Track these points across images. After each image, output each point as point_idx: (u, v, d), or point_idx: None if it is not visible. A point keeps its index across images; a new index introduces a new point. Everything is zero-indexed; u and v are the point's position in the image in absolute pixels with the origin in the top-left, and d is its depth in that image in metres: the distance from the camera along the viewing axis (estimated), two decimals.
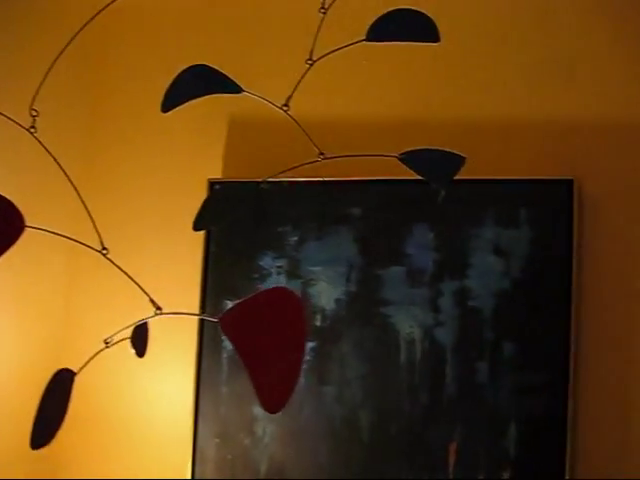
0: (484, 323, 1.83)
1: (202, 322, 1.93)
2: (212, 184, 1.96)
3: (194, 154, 2.06)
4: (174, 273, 2.01)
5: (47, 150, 1.30)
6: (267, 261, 1.95)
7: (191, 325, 1.92)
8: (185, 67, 1.28)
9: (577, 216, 1.81)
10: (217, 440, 1.92)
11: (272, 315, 1.14)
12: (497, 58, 1.95)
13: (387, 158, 1.26)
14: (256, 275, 1.95)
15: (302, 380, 1.85)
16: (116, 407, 2.01)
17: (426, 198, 1.87)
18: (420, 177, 1.23)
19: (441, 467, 1.81)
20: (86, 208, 1.29)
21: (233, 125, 2.05)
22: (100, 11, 1.32)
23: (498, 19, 1.96)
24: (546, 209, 1.84)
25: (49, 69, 1.32)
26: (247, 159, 2.02)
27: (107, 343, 1.23)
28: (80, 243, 1.29)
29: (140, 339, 1.18)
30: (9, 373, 1.92)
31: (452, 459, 1.81)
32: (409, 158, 1.22)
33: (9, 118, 1.33)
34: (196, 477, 1.91)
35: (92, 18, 1.31)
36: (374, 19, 1.27)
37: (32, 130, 1.30)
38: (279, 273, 1.94)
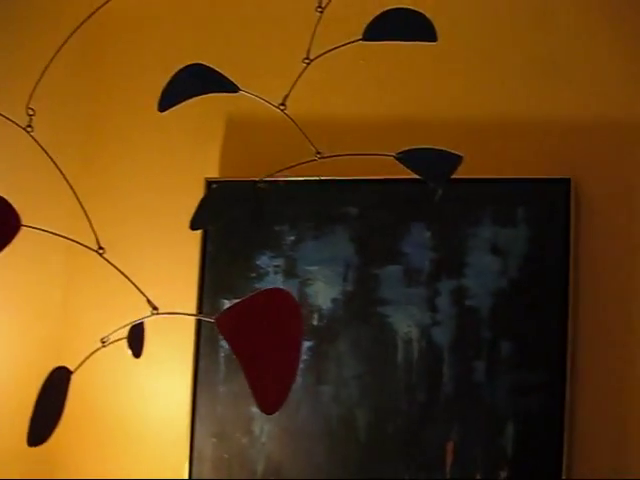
0: (481, 322, 1.83)
1: (199, 321, 1.93)
2: (209, 183, 1.96)
3: (191, 153, 2.06)
4: (171, 272, 2.00)
5: (43, 149, 1.30)
6: (264, 260, 1.95)
7: (188, 324, 1.92)
8: (182, 66, 1.28)
9: (574, 215, 1.81)
10: (214, 439, 1.92)
11: (268, 316, 1.14)
12: (494, 57, 1.95)
13: (384, 157, 1.26)
14: (253, 274, 1.95)
15: (299, 379, 1.86)
16: (113, 406, 2.01)
17: (423, 197, 1.87)
18: (417, 176, 1.23)
19: (438, 466, 1.81)
20: (82, 207, 1.29)
21: (230, 124, 2.05)
22: (97, 10, 1.32)
23: (495, 18, 1.96)
24: (543, 208, 1.84)
25: (46, 68, 1.32)
26: (244, 158, 2.01)
27: (104, 342, 1.23)
28: (76, 242, 1.29)
29: (136, 339, 1.18)
30: (6, 372, 1.92)
31: (449, 458, 1.81)
32: (406, 157, 1.22)
33: (6, 117, 1.33)
34: (193, 476, 1.91)
35: (89, 17, 1.31)
36: (371, 18, 1.27)
37: (29, 129, 1.30)
38: (276, 272, 1.94)
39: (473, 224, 1.85)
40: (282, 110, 1.27)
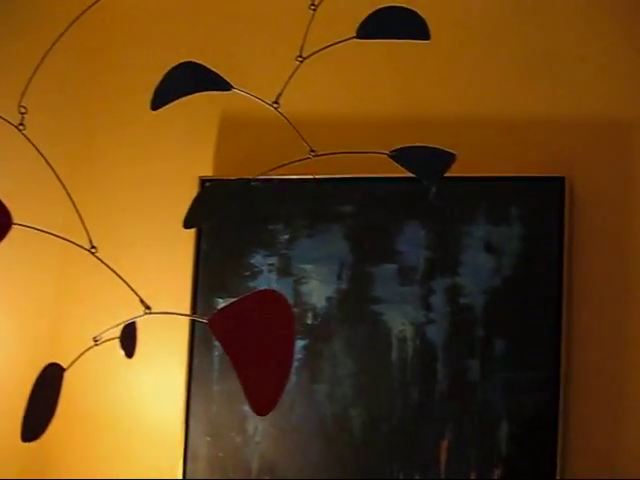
0: (475, 321, 1.83)
1: (193, 320, 1.93)
2: (203, 182, 1.95)
3: (185, 152, 2.06)
4: (165, 271, 2.00)
5: (36, 147, 1.30)
6: (258, 259, 1.94)
7: (182, 323, 1.92)
8: (175, 64, 1.27)
9: (568, 214, 1.81)
10: (208, 438, 1.92)
11: (261, 317, 1.14)
12: (488, 56, 1.95)
13: (378, 155, 1.26)
14: (247, 273, 1.95)
15: (293, 378, 1.86)
16: (107, 406, 2.01)
17: (417, 195, 1.87)
18: (411, 174, 1.23)
19: (433, 465, 1.81)
20: (75, 206, 1.29)
21: (224, 123, 2.04)
22: (89, 7, 1.32)
23: (489, 17, 1.96)
24: (537, 207, 1.84)
25: (38, 66, 1.31)
26: (238, 157, 2.01)
27: (96, 341, 1.23)
28: (69, 241, 1.28)
29: (129, 339, 1.18)
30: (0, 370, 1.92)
31: (443, 457, 1.81)
32: (399, 155, 1.22)
33: None
34: (187, 475, 1.91)
35: (82, 13, 1.31)
36: (365, 16, 1.27)
37: (21, 127, 1.30)
38: (270, 271, 1.94)
39: (467, 222, 1.85)
40: (275, 108, 1.27)
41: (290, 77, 1.25)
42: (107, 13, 1.97)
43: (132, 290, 1.24)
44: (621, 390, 1.79)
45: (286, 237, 1.94)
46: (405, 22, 1.26)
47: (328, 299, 1.90)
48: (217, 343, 1.89)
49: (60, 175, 1.31)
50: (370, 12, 1.26)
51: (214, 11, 2.10)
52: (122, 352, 1.20)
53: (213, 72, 1.25)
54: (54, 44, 1.32)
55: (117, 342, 1.21)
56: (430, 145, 1.22)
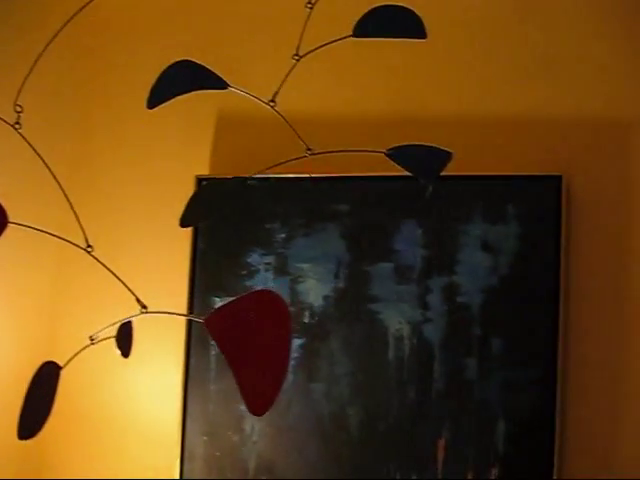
0: (472, 319, 1.83)
1: (190, 320, 1.92)
2: (200, 181, 1.95)
3: (182, 151, 2.05)
4: (162, 270, 2.00)
5: (32, 146, 1.30)
6: (255, 258, 1.94)
7: (179, 322, 1.92)
8: (171, 63, 1.27)
9: (565, 212, 1.81)
10: (205, 438, 1.91)
11: (257, 318, 1.14)
12: (485, 55, 1.95)
13: (375, 154, 1.26)
14: (244, 272, 1.94)
15: (291, 377, 1.86)
16: (104, 405, 2.01)
17: (414, 194, 1.87)
18: (408, 173, 1.23)
19: (430, 463, 1.81)
20: (71, 205, 1.29)
21: (221, 122, 2.04)
22: (85, 5, 1.32)
23: (486, 15, 1.96)
24: (534, 205, 1.84)
25: (34, 64, 1.31)
26: (235, 156, 2.01)
27: (92, 340, 1.23)
28: (65, 240, 1.28)
29: (125, 338, 1.18)
30: None
31: (441, 455, 1.81)
32: (396, 154, 1.22)
33: None
34: (184, 475, 1.91)
35: (78, 12, 1.31)
36: (361, 15, 1.26)
37: (17, 126, 1.30)
38: (267, 270, 1.94)
39: (464, 221, 1.85)
40: (272, 107, 1.26)
41: (287, 76, 1.25)
42: (103, 12, 1.96)
43: (128, 289, 1.24)
44: (618, 389, 1.79)
45: (283, 236, 1.94)
46: (402, 21, 1.25)
47: (325, 298, 1.90)
48: (214, 342, 1.88)
49: (56, 174, 1.31)
50: (367, 11, 1.26)
51: (210, 10, 2.10)
52: (118, 352, 1.19)
53: (209, 70, 1.25)
54: (50, 43, 1.32)
55: (113, 341, 1.21)
56: (426, 144, 1.22)
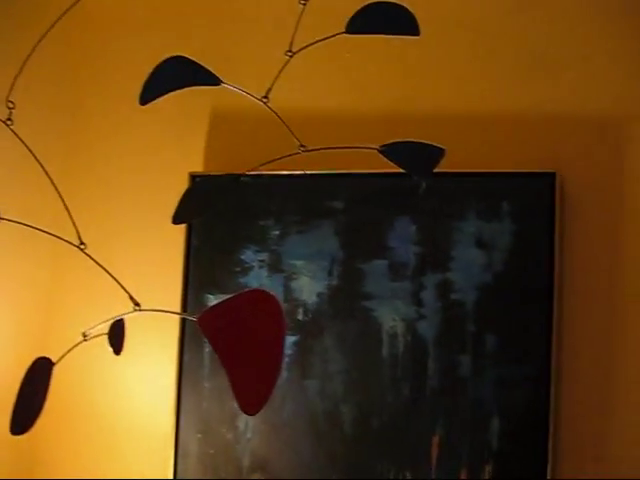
0: (466, 316, 1.83)
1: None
2: (193, 177, 1.95)
3: (175, 148, 2.05)
4: (155, 267, 2.00)
5: (24, 143, 1.29)
6: (249, 255, 1.94)
7: (173, 319, 1.92)
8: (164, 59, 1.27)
9: (559, 209, 1.81)
10: (199, 435, 1.91)
11: (251, 317, 1.14)
12: (479, 51, 1.95)
13: (369, 151, 1.25)
14: (238, 269, 1.94)
15: (284, 374, 1.86)
16: (98, 402, 2.00)
17: (408, 191, 1.87)
18: (401, 169, 1.23)
19: (424, 460, 1.81)
20: (63, 202, 1.29)
21: (214, 118, 2.04)
22: (78, 1, 1.31)
23: (479, 12, 1.96)
24: (528, 202, 1.84)
25: (26, 60, 1.31)
26: (229, 152, 2.00)
27: (85, 336, 1.23)
28: (57, 237, 1.28)
29: (117, 336, 1.18)
30: None
31: (434, 452, 1.81)
32: (389, 150, 1.22)
33: None
34: (179, 472, 1.90)
35: (70, 7, 1.31)
36: (354, 11, 1.26)
37: (8, 122, 1.29)
38: (261, 267, 1.93)
39: (458, 218, 1.85)
40: (265, 103, 1.26)
41: (280, 72, 1.25)
42: (96, 7, 1.97)
43: (121, 287, 1.24)
44: (612, 386, 1.79)
45: (277, 233, 1.93)
46: (395, 17, 1.26)
47: (319, 295, 1.90)
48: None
49: (49, 171, 1.31)
50: (360, 7, 1.26)
51: (204, 5, 2.09)
52: (110, 349, 1.19)
53: (202, 67, 1.25)
54: (42, 38, 1.32)
55: (106, 338, 1.21)
56: (419, 140, 1.22)
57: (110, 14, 2.11)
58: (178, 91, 1.28)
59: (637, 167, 1.84)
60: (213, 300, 1.92)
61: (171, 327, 1.93)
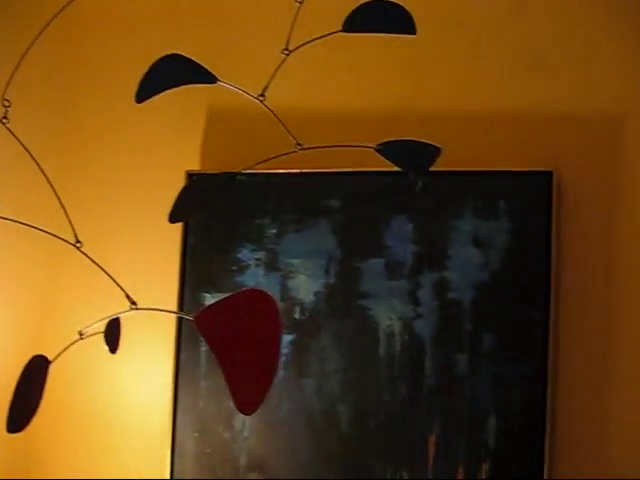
0: (463, 315, 1.82)
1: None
2: (190, 176, 1.94)
3: (172, 146, 2.04)
4: (152, 265, 1.99)
5: (20, 141, 1.29)
6: (245, 254, 1.94)
7: (169, 318, 1.91)
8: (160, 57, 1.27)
9: (556, 208, 1.81)
10: (196, 434, 1.91)
11: (247, 317, 1.15)
12: (476, 50, 1.95)
13: (365, 149, 1.26)
14: (234, 267, 1.94)
15: (281, 373, 1.85)
16: (94, 401, 2.00)
17: (405, 190, 1.87)
18: (397, 168, 1.23)
19: (420, 459, 1.81)
20: (59, 200, 1.28)
21: (211, 117, 2.04)
22: None
23: (476, 11, 1.95)
24: (525, 201, 1.84)
25: (22, 58, 1.30)
26: (226, 151, 2.00)
27: (81, 335, 1.23)
28: (53, 235, 1.28)
29: (113, 334, 1.18)
30: None
31: (431, 451, 1.81)
32: (386, 149, 1.22)
33: None
34: (175, 471, 1.90)
35: (66, 5, 1.30)
36: (351, 10, 1.26)
37: (4, 121, 1.29)
38: (257, 266, 1.93)
39: (455, 217, 1.85)
40: (261, 101, 1.26)
41: (276, 70, 1.25)
42: (91, 5, 1.96)
43: (118, 285, 1.24)
44: (608, 385, 1.79)
45: (273, 231, 1.93)
46: (391, 16, 1.26)
47: (316, 294, 1.90)
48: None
49: (45, 169, 1.30)
50: (356, 6, 1.26)
51: (200, 3, 2.09)
52: (106, 347, 1.19)
53: (198, 65, 1.25)
54: (38, 37, 1.31)
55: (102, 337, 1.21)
56: (416, 139, 1.22)
57: (106, 12, 2.11)
58: (174, 89, 1.28)
59: (634, 166, 1.85)
60: (210, 299, 1.92)
61: (168, 326, 1.93)
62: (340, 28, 1.26)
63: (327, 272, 1.90)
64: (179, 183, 1.89)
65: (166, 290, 1.93)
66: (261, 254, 1.93)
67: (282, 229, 1.93)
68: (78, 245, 1.27)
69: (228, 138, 2.02)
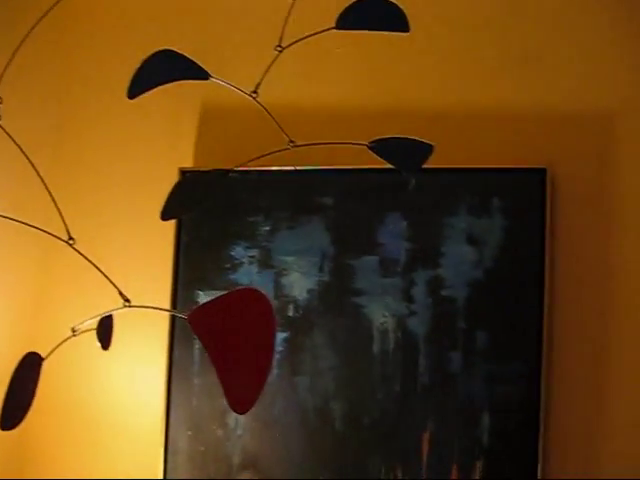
0: (457, 312, 1.82)
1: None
2: (183, 173, 1.94)
3: (165, 143, 2.04)
4: (145, 263, 1.99)
5: (12, 139, 1.29)
6: (239, 251, 1.94)
7: (162, 315, 1.91)
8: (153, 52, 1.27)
9: (550, 205, 1.81)
10: (189, 432, 1.91)
11: (241, 315, 1.15)
12: (470, 48, 1.95)
13: (358, 146, 1.25)
14: (228, 265, 1.94)
15: (275, 371, 1.85)
16: (87, 398, 2.00)
17: (399, 187, 1.87)
18: (390, 165, 1.23)
19: (414, 457, 1.81)
20: (52, 197, 1.28)
21: (205, 114, 2.03)
22: None
23: (470, 8, 1.95)
24: (519, 198, 1.84)
25: (14, 54, 1.30)
26: (219, 148, 2.00)
27: (74, 332, 1.22)
28: (46, 232, 1.27)
29: (105, 332, 1.18)
30: None
31: (425, 449, 1.81)
32: (378, 146, 1.22)
33: None
34: (168, 469, 1.90)
35: (57, 1, 1.29)
36: (344, 7, 1.26)
37: None
38: (251, 263, 1.93)
39: (449, 214, 1.85)
40: (254, 98, 1.26)
41: (269, 67, 1.25)
42: (84, 2, 1.96)
43: (111, 283, 1.23)
44: (603, 383, 1.79)
45: (267, 229, 1.93)
46: (384, 14, 1.26)
47: (309, 291, 1.90)
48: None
49: (37, 166, 1.30)
50: (350, 3, 1.26)
51: (193, 0, 2.09)
52: (98, 344, 1.19)
53: (191, 60, 1.25)
54: (29, 33, 1.31)
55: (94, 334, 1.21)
56: (408, 136, 1.22)
57: (99, 7, 2.10)
58: (167, 86, 1.27)
59: (627, 163, 1.85)
60: (203, 296, 1.92)
61: (161, 323, 1.93)
62: (333, 25, 1.26)
63: (321, 269, 1.90)
64: (172, 180, 1.88)
65: (159, 287, 1.92)
66: (254, 252, 1.93)
67: (275, 226, 1.92)
68: (71, 242, 1.26)
69: (221, 135, 2.02)
